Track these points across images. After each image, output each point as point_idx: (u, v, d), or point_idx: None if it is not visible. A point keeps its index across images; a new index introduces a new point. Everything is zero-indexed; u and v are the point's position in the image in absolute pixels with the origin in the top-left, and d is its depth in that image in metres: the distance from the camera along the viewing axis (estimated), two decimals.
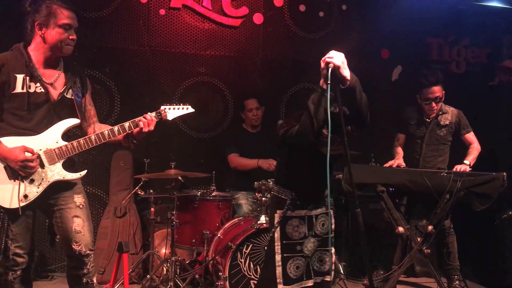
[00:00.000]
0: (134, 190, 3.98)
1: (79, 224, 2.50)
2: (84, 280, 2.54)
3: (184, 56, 4.76)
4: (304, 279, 2.49)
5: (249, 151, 4.34)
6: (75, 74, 2.62)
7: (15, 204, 2.38)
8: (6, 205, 2.38)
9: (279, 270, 2.44)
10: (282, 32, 4.99)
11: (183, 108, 2.71)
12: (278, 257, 2.46)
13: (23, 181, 2.39)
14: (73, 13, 2.51)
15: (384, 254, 4.19)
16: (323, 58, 2.32)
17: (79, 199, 2.56)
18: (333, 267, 2.63)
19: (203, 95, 4.83)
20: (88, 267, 2.53)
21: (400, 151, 4.16)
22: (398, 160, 4.02)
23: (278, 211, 2.50)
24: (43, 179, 2.44)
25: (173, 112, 2.68)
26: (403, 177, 3.57)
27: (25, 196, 2.40)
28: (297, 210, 2.51)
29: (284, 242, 2.47)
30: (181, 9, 4.71)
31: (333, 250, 2.60)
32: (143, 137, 2.62)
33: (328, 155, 2.19)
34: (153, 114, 2.63)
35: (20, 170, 2.38)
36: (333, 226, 2.57)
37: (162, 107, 2.68)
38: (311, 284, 2.51)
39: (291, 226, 2.50)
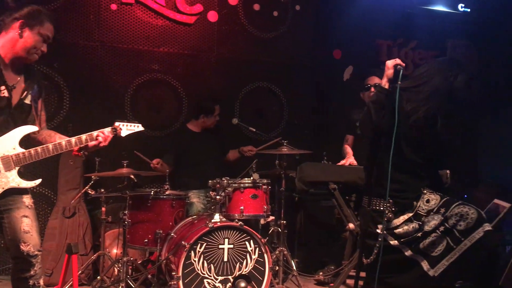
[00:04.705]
0: (84, 190, 3.88)
1: (28, 224, 2.47)
2: (31, 282, 2.48)
3: (136, 52, 4.67)
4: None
5: (193, 151, 4.36)
6: (35, 79, 2.62)
7: None
8: None
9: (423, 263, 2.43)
10: (237, 31, 5.00)
11: (135, 126, 2.79)
12: (408, 253, 2.44)
13: None
14: (53, 28, 2.58)
15: (335, 250, 4.29)
16: (388, 61, 2.47)
17: (27, 199, 2.53)
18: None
19: (156, 92, 4.77)
20: (35, 268, 2.48)
21: (349, 150, 4.28)
22: (350, 159, 4.11)
23: (379, 226, 2.48)
24: None
25: (126, 129, 2.76)
26: (354, 174, 3.67)
27: None
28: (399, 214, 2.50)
29: (402, 240, 2.46)
30: (133, 5, 4.62)
31: None
32: (95, 150, 2.65)
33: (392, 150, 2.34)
34: (109, 129, 2.66)
35: None
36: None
37: (117, 124, 2.73)
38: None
39: (402, 228, 2.48)
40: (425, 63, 2.67)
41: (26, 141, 2.55)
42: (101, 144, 2.59)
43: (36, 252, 2.48)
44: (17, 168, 2.46)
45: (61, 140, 2.55)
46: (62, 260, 3.74)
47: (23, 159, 2.47)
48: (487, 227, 2.40)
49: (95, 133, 2.59)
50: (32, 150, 2.48)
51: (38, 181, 2.56)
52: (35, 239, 2.48)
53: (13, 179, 2.45)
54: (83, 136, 2.56)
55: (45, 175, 4.33)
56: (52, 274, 3.94)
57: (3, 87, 2.43)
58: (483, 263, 2.44)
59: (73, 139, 2.55)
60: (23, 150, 2.48)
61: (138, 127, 2.80)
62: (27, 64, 2.60)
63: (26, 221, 2.47)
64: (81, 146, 2.57)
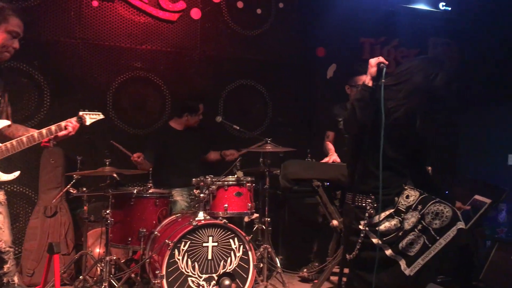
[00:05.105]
0: (66, 189, 3.83)
1: (1, 221, 2.51)
2: (5, 280, 2.51)
3: (119, 50, 4.62)
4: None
5: (176, 149, 4.35)
6: (1, 75, 2.64)
7: None
8: None
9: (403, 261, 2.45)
10: (220, 28, 4.98)
11: (97, 115, 2.95)
12: (388, 252, 2.44)
13: None
14: (22, 22, 2.55)
15: (319, 247, 4.31)
16: (372, 59, 2.45)
17: (0, 195, 2.57)
18: None
19: (139, 90, 4.73)
20: (8, 265, 2.51)
21: (331, 146, 4.30)
22: (333, 156, 4.14)
23: (361, 222, 2.48)
24: None
25: (89, 117, 2.89)
26: (337, 171, 3.69)
27: None
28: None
29: (384, 239, 2.46)
30: (115, 1, 4.57)
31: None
32: (63, 139, 2.74)
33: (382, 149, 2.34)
34: (75, 119, 2.78)
35: None
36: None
37: (81, 113, 2.86)
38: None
39: (384, 225, 2.48)
40: (406, 61, 2.69)
41: None
42: (70, 133, 2.70)
43: (8, 249, 2.51)
44: None
45: (33, 132, 2.62)
46: (44, 260, 3.69)
47: (1, 153, 2.51)
48: (460, 225, 2.44)
49: (63, 123, 2.69)
50: (8, 144, 2.53)
51: (17, 173, 2.61)
52: (7, 235, 2.52)
53: None
54: (53, 127, 2.66)
55: (26, 174, 4.27)
56: (33, 274, 3.89)
57: None
58: (458, 261, 2.48)
59: (43, 130, 2.62)
60: None
61: (99, 116, 2.95)
62: None
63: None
64: (51, 137, 2.65)
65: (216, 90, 5.00)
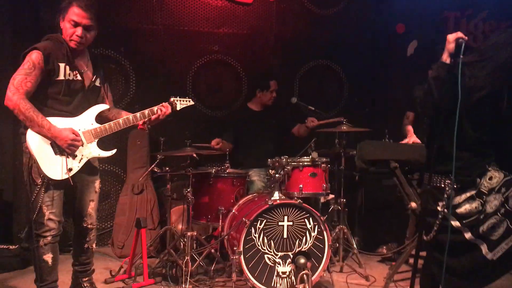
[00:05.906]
0: (151, 168, 4.06)
1: (92, 207, 2.99)
2: (86, 245, 3.02)
3: (197, 34, 4.77)
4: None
5: (253, 130, 4.43)
6: (100, 64, 2.97)
7: (63, 176, 2.72)
8: (57, 177, 2.70)
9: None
10: (296, 9, 4.96)
11: (187, 101, 3.18)
12: (468, 235, 2.37)
13: (68, 157, 2.74)
14: (85, 12, 2.71)
15: (396, 229, 4.23)
16: (450, 35, 2.36)
17: (97, 184, 2.99)
18: None
19: (217, 73, 4.86)
20: (90, 237, 3.02)
21: (410, 128, 4.16)
22: (413, 138, 4.02)
23: (440, 203, 2.41)
24: (83, 155, 2.81)
25: (179, 103, 3.15)
26: (415, 152, 3.57)
27: (70, 170, 2.75)
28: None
29: (464, 221, 2.39)
30: None
31: None
32: (156, 123, 3.02)
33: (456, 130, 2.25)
34: (166, 104, 3.04)
35: (67, 148, 2.71)
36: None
37: (172, 99, 3.12)
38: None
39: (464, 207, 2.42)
40: (492, 36, 2.52)
41: (99, 118, 2.93)
42: (161, 117, 2.98)
43: (93, 226, 3.02)
44: (96, 140, 2.85)
45: (129, 115, 2.95)
46: (132, 234, 3.98)
47: (100, 133, 2.85)
48: None
49: (155, 108, 2.98)
50: (106, 125, 2.86)
51: (114, 150, 2.94)
52: (94, 217, 3.02)
53: (94, 150, 2.85)
54: (146, 111, 2.95)
55: (116, 154, 4.56)
56: (123, 247, 4.21)
57: (75, 72, 2.78)
58: None
59: (138, 114, 2.93)
60: (99, 125, 2.86)
61: (189, 102, 3.19)
62: (90, 51, 2.94)
63: (92, 205, 2.98)
64: (145, 120, 2.94)
65: (292, 71, 5.00)
